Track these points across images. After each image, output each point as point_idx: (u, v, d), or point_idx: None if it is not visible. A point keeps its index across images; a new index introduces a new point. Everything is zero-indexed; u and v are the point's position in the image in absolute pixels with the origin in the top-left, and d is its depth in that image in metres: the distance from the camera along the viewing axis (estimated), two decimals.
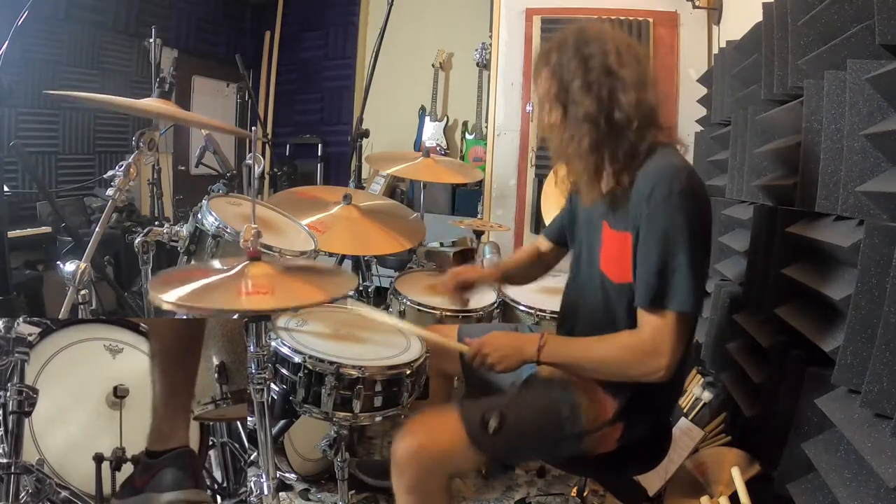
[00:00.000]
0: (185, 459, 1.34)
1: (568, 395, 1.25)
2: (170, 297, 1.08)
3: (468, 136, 4.47)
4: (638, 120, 1.18)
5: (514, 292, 2.14)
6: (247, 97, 4.91)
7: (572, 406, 1.24)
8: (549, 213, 2.44)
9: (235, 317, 1.44)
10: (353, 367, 1.41)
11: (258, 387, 1.31)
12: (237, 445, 1.57)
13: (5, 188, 2.34)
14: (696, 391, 2.10)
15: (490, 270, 1.73)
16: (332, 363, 1.40)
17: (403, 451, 1.20)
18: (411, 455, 1.19)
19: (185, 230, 1.68)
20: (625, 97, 1.18)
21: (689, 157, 2.85)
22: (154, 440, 1.33)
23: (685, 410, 2.06)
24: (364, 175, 3.61)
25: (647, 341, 1.15)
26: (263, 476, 1.32)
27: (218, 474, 1.56)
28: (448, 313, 1.99)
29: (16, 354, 1.22)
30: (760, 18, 1.92)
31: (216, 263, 1.32)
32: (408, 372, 1.47)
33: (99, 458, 1.28)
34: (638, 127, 1.19)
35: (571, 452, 1.27)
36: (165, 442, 1.34)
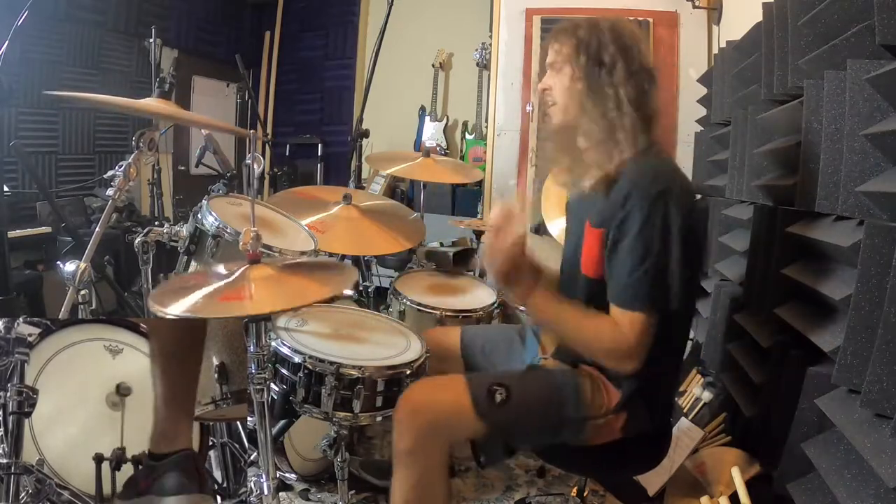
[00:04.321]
0: (189, 463, 1.34)
1: (573, 381, 1.27)
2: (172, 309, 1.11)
3: (468, 136, 4.47)
4: (652, 119, 1.23)
5: None
6: (247, 97, 4.91)
7: (577, 391, 1.25)
8: (550, 214, 2.44)
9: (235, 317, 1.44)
10: (354, 367, 1.41)
11: (258, 387, 1.31)
12: (237, 445, 1.57)
13: (5, 188, 2.35)
14: (696, 391, 2.10)
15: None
16: (332, 363, 1.40)
17: (407, 407, 1.21)
18: (415, 410, 1.20)
19: (185, 230, 1.68)
20: (652, 93, 1.23)
21: (689, 157, 2.86)
22: (157, 442, 1.32)
23: (685, 410, 2.06)
24: (364, 175, 3.61)
25: (628, 342, 1.16)
26: (263, 476, 1.32)
27: (218, 474, 1.56)
28: (448, 313, 1.99)
29: (16, 355, 1.22)
30: (760, 18, 1.92)
31: (217, 269, 1.32)
32: (408, 372, 1.47)
33: (99, 459, 1.28)
34: (647, 127, 1.23)
35: (573, 438, 1.27)
36: (169, 444, 1.33)
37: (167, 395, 1.35)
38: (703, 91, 2.76)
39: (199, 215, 1.63)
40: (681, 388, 2.21)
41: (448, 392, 1.24)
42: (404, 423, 1.20)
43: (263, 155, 4.84)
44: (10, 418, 1.18)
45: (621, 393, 1.25)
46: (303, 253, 1.67)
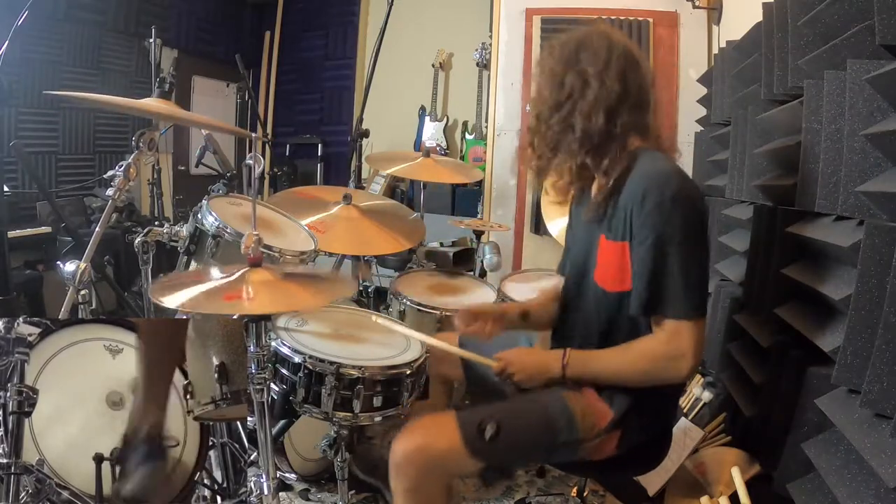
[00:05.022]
0: (153, 440, 1.37)
1: (563, 405, 1.25)
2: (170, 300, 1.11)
3: (468, 136, 4.47)
4: (618, 129, 1.21)
5: (513, 294, 2.14)
6: (247, 97, 4.91)
7: (568, 415, 1.23)
8: (550, 214, 2.44)
9: (235, 317, 1.44)
10: (353, 367, 1.41)
11: (258, 387, 1.31)
12: (237, 445, 1.57)
13: (5, 188, 2.35)
14: (696, 391, 2.10)
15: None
16: (332, 363, 1.40)
17: (401, 454, 1.20)
18: (409, 457, 1.19)
19: (185, 230, 1.68)
20: (621, 115, 1.21)
21: (689, 157, 2.85)
22: (128, 431, 1.36)
23: (685, 410, 2.06)
24: (364, 175, 3.61)
25: (664, 347, 1.16)
26: (263, 476, 1.32)
27: (218, 474, 1.56)
28: (448, 313, 1.99)
29: (16, 354, 1.22)
30: (760, 18, 1.92)
31: (217, 271, 1.32)
32: (408, 372, 1.47)
33: (99, 458, 1.28)
34: (616, 135, 1.22)
35: (568, 459, 1.27)
36: (135, 432, 1.36)
37: (144, 391, 1.37)
38: (703, 91, 2.76)
39: (199, 215, 1.63)
40: None
41: (439, 434, 1.22)
42: (400, 468, 1.20)
43: (263, 155, 4.84)
44: (10, 418, 1.18)
45: (613, 412, 1.24)
46: (303, 253, 1.67)
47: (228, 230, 1.57)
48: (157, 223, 2.20)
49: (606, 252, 1.26)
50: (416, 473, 1.19)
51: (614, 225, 1.23)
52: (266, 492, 1.31)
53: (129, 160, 1.51)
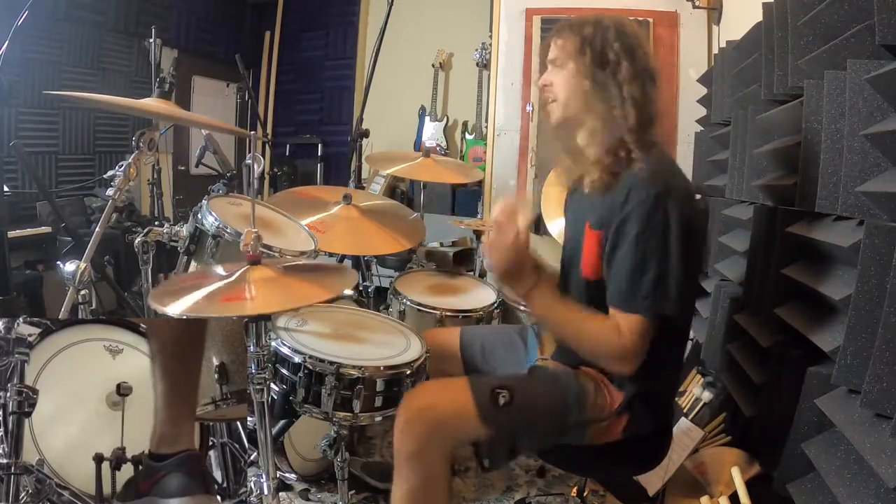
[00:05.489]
0: (192, 464, 1.32)
1: (575, 384, 1.27)
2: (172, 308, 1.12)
3: (468, 136, 4.47)
4: (654, 120, 1.24)
5: (514, 295, 2.13)
6: (247, 97, 4.91)
7: (579, 394, 1.25)
8: (549, 214, 2.44)
9: (235, 317, 1.44)
10: (353, 367, 1.41)
11: (258, 387, 1.31)
12: (237, 445, 1.57)
13: (5, 188, 2.35)
14: (696, 391, 2.10)
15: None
16: (332, 363, 1.40)
17: (409, 411, 1.20)
18: (418, 414, 1.19)
19: (185, 230, 1.68)
20: (655, 93, 1.24)
21: (689, 158, 2.86)
22: (158, 443, 1.31)
23: (685, 410, 2.06)
24: (364, 175, 3.60)
25: (625, 345, 1.16)
26: (263, 476, 1.32)
27: (218, 474, 1.55)
28: (448, 313, 1.99)
29: (16, 355, 1.22)
30: (760, 18, 1.92)
31: (217, 269, 1.32)
32: (408, 372, 1.47)
33: (99, 459, 1.28)
34: (649, 127, 1.24)
35: (576, 440, 1.27)
36: (170, 445, 1.32)
37: (168, 394, 1.34)
38: (703, 91, 2.75)
39: (199, 215, 1.63)
40: (681, 388, 2.21)
41: (451, 395, 1.23)
42: (407, 427, 1.19)
43: (263, 155, 4.84)
44: (10, 418, 1.18)
45: (623, 395, 1.25)
46: (303, 253, 1.67)
47: (228, 230, 1.57)
48: (157, 223, 2.20)
49: (589, 240, 1.27)
50: (423, 433, 1.18)
51: (599, 213, 1.24)
52: (266, 492, 1.31)
53: (129, 160, 1.51)
